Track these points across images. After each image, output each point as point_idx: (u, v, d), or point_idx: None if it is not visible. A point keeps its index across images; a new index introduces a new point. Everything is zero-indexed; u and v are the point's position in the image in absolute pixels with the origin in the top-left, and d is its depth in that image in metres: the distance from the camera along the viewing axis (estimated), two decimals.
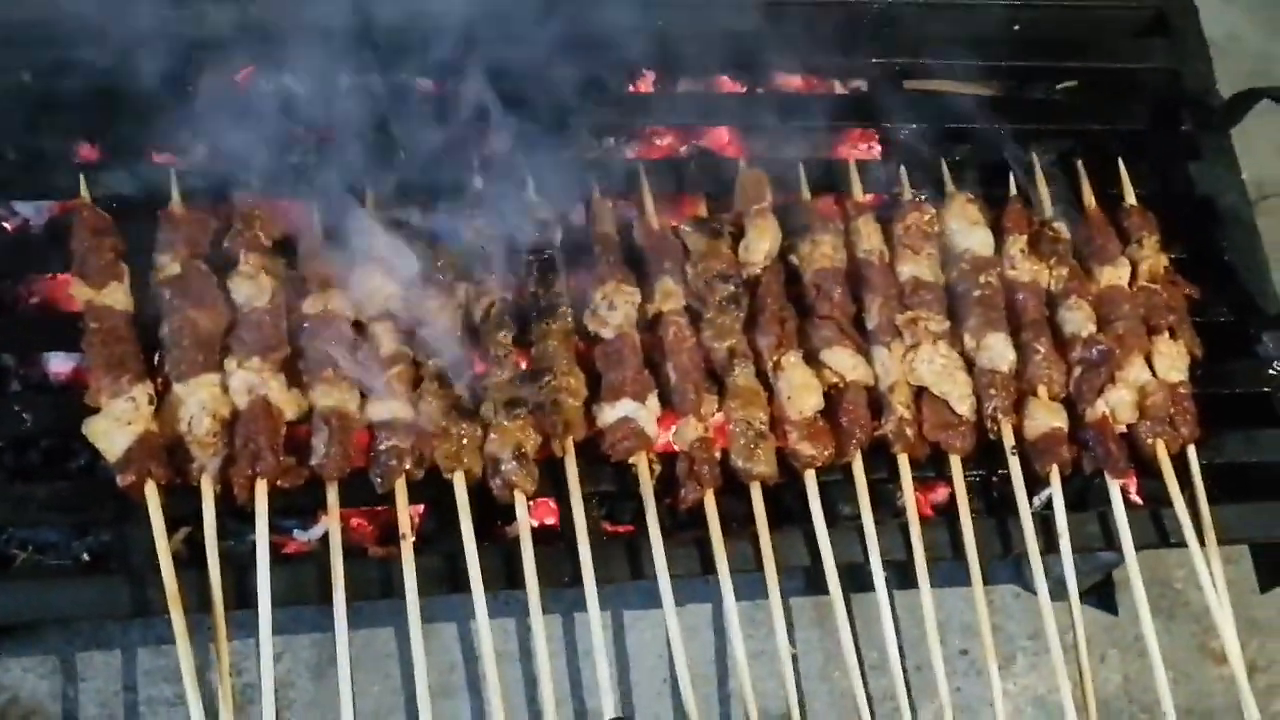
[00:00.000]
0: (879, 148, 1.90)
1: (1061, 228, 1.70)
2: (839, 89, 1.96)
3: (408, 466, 1.40)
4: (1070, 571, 1.50)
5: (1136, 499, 1.67)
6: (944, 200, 1.70)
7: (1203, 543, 1.53)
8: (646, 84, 1.90)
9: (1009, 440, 1.55)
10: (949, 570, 1.59)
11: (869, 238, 1.64)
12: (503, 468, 1.40)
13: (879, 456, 1.53)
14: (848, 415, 1.51)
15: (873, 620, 1.47)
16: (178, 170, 1.52)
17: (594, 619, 1.36)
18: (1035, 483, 1.55)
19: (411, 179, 1.57)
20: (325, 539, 1.42)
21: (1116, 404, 1.58)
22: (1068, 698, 1.45)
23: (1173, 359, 1.63)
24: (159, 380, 1.41)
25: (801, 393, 1.51)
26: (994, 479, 1.62)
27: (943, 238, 1.67)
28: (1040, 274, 1.66)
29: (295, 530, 1.60)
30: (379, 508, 1.51)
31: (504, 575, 1.41)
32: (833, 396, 1.53)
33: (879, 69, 1.89)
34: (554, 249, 1.55)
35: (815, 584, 1.66)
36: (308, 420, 1.42)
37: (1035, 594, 1.50)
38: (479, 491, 1.41)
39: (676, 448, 1.49)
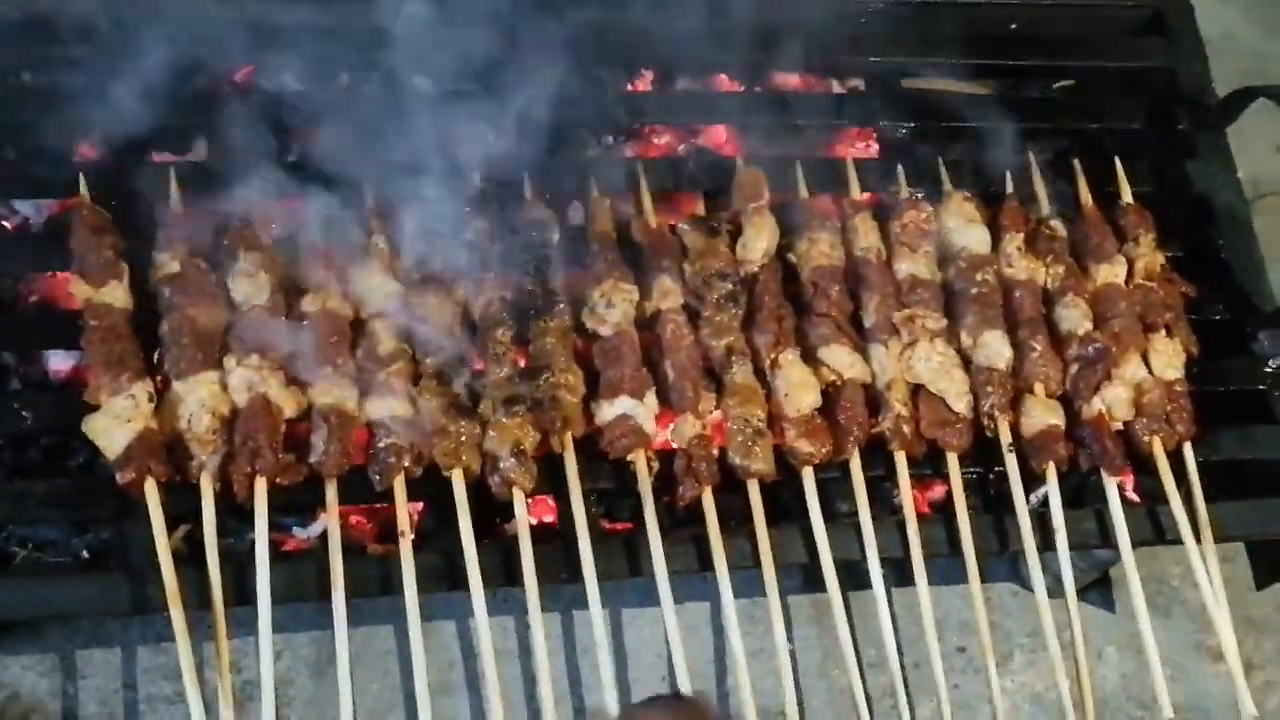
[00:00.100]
0: (876, 146, 1.91)
1: (1058, 226, 1.70)
2: (837, 88, 1.97)
3: (406, 464, 1.40)
4: (1067, 569, 1.50)
5: (1133, 496, 1.68)
6: (941, 198, 1.70)
7: (1199, 540, 1.54)
8: (644, 83, 1.90)
9: (1006, 438, 1.55)
10: (946, 568, 1.59)
11: (866, 236, 1.64)
12: (501, 465, 1.40)
13: (876, 454, 1.54)
14: (845, 413, 1.52)
15: (870, 617, 1.47)
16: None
17: (595, 615, 1.36)
18: (1032, 480, 1.56)
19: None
20: (324, 536, 1.42)
21: (1113, 401, 1.59)
22: (1065, 695, 1.45)
23: (1169, 357, 1.64)
24: (158, 378, 1.41)
25: (799, 390, 1.51)
26: (991, 476, 1.63)
27: (940, 236, 1.67)
28: (1037, 272, 1.66)
29: (294, 528, 1.61)
30: (378, 505, 1.51)
31: (503, 572, 1.41)
32: (830, 394, 1.54)
33: (877, 68, 1.89)
34: (552, 247, 1.55)
35: (813, 581, 1.66)
36: (307, 418, 1.42)
37: (1032, 591, 1.50)
38: (478, 489, 1.42)
39: (675, 445, 1.50)
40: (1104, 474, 1.56)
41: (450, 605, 1.71)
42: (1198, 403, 1.63)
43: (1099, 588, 1.93)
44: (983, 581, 1.50)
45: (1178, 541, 1.54)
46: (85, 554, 1.59)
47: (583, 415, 1.47)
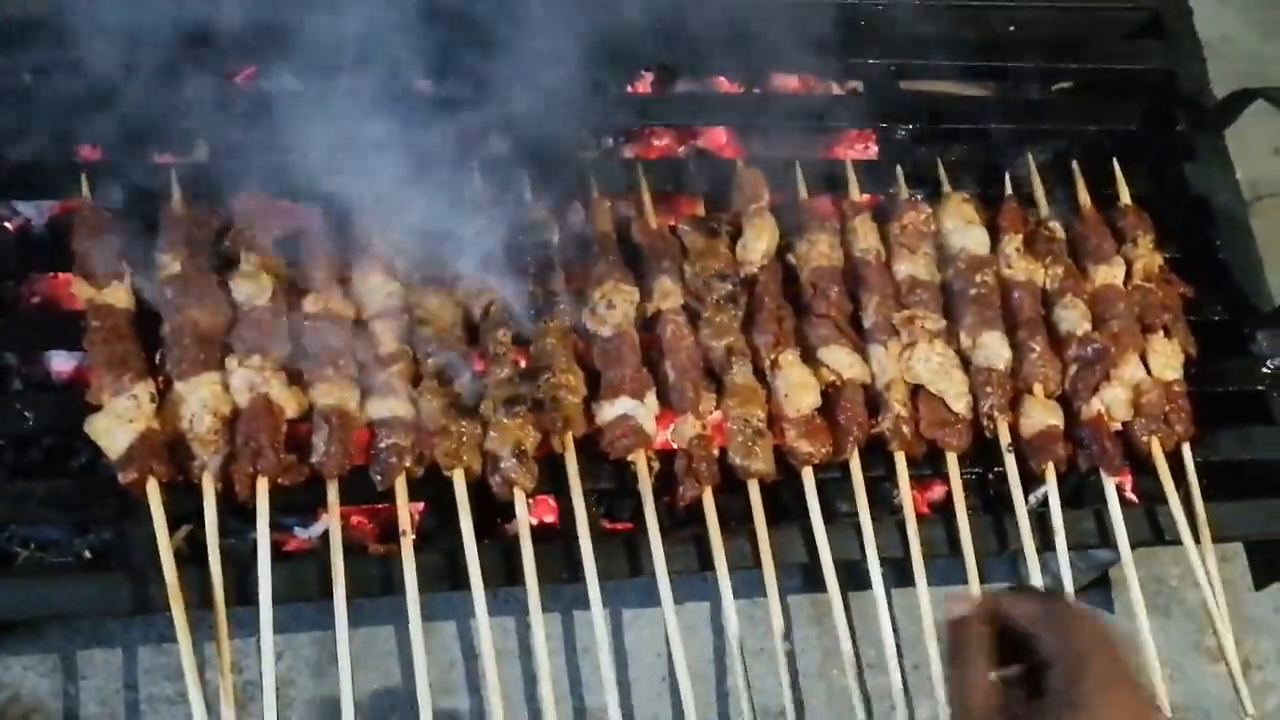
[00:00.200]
0: (875, 148, 1.91)
1: (1057, 227, 1.71)
2: (836, 89, 1.97)
3: (408, 464, 1.41)
4: (1066, 569, 1.51)
5: (1132, 496, 1.68)
6: (940, 200, 1.71)
7: (1198, 540, 1.54)
8: (644, 84, 1.91)
9: (1005, 438, 1.56)
10: (946, 569, 1.59)
11: (866, 237, 1.65)
12: (502, 465, 1.41)
13: (876, 454, 1.54)
14: (845, 413, 1.52)
15: (870, 618, 1.47)
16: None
17: (596, 615, 1.36)
18: (1031, 480, 1.56)
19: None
20: (326, 536, 1.43)
21: (1112, 402, 1.59)
22: None
23: (1167, 357, 1.64)
24: (160, 378, 1.41)
25: (799, 391, 1.51)
26: (990, 476, 1.63)
27: (939, 237, 1.68)
28: (1036, 273, 1.67)
29: (296, 528, 1.61)
30: (379, 505, 1.51)
31: (504, 572, 1.41)
32: (830, 394, 1.54)
33: (876, 69, 1.90)
34: (552, 248, 1.55)
35: (813, 581, 1.66)
36: (308, 418, 1.42)
37: None
38: (479, 489, 1.42)
39: (675, 445, 1.50)
40: (1103, 474, 1.56)
41: (450, 606, 1.71)
42: (1196, 403, 1.64)
43: (1098, 588, 1.93)
44: (982, 582, 1.50)
45: (1176, 542, 1.55)
46: (87, 554, 1.59)
47: (583, 415, 1.47)
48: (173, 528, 1.35)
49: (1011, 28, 1.98)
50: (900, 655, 1.47)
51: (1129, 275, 1.71)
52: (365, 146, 1.54)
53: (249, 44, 1.62)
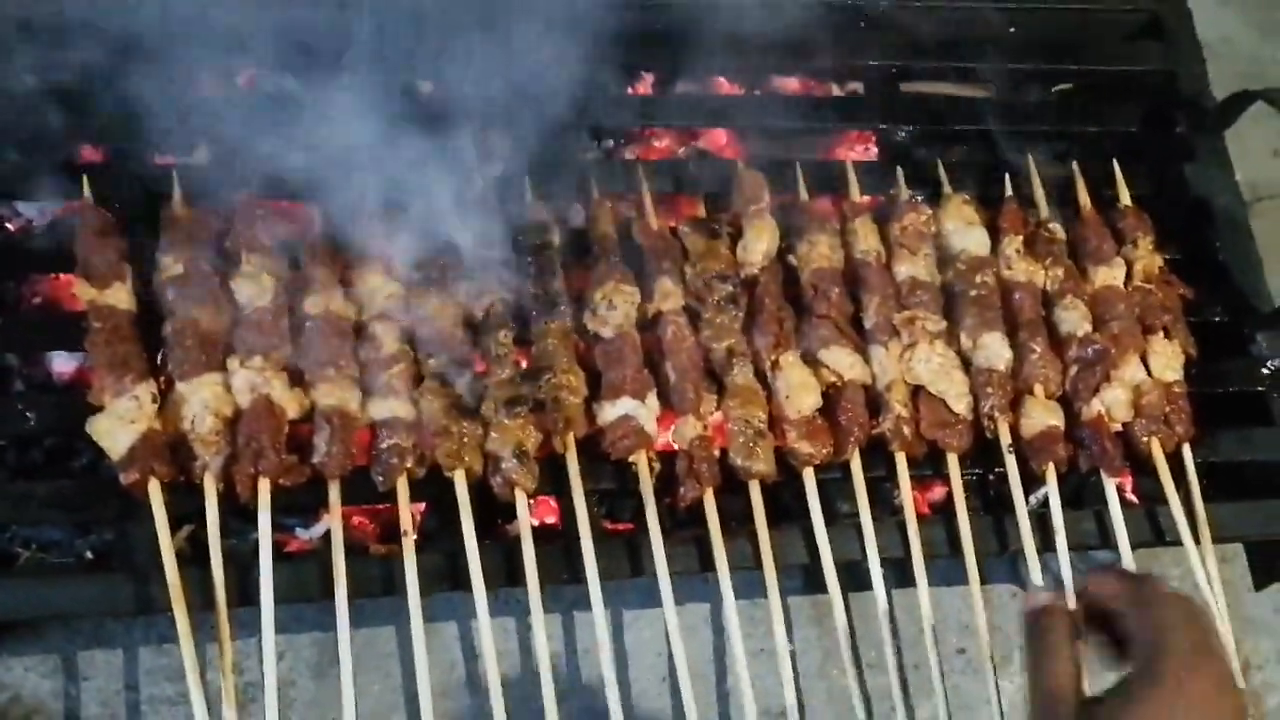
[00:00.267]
0: (875, 149, 1.92)
1: (1057, 228, 1.71)
2: (836, 91, 1.98)
3: (409, 465, 1.41)
4: (1067, 569, 1.51)
5: (1132, 497, 1.69)
6: (940, 201, 1.71)
7: (1198, 541, 1.55)
8: (645, 85, 1.91)
9: (1005, 439, 1.56)
10: (946, 570, 1.59)
11: (866, 238, 1.65)
12: (503, 466, 1.41)
13: (877, 455, 1.54)
14: (845, 414, 1.52)
15: (871, 619, 1.48)
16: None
17: (597, 616, 1.36)
18: (1031, 481, 1.56)
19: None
20: (327, 537, 1.43)
21: (1112, 403, 1.60)
22: None
23: (1168, 358, 1.65)
24: (162, 379, 1.41)
25: (799, 391, 1.52)
26: (991, 477, 1.64)
27: (939, 238, 1.68)
28: (1036, 274, 1.67)
29: (297, 528, 1.61)
30: (380, 506, 1.51)
31: (505, 573, 1.42)
32: (830, 395, 1.54)
33: (876, 71, 1.90)
34: (553, 249, 1.56)
35: (813, 582, 1.66)
36: (310, 419, 1.42)
37: None
38: (480, 489, 1.42)
39: (676, 446, 1.50)
40: (1103, 475, 1.57)
41: (451, 607, 1.71)
42: (1196, 404, 1.64)
43: None
44: (983, 583, 1.50)
45: (1177, 542, 1.55)
46: (89, 555, 1.59)
47: (584, 416, 1.47)
48: (174, 528, 1.35)
49: (1011, 29, 1.98)
50: (900, 655, 1.47)
51: (1129, 276, 1.71)
52: (365, 147, 1.55)
53: (249, 44, 1.62)
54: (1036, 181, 1.76)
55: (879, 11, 1.91)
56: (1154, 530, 1.60)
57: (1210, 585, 1.53)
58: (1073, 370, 1.61)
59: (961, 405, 1.56)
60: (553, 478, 1.45)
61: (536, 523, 1.54)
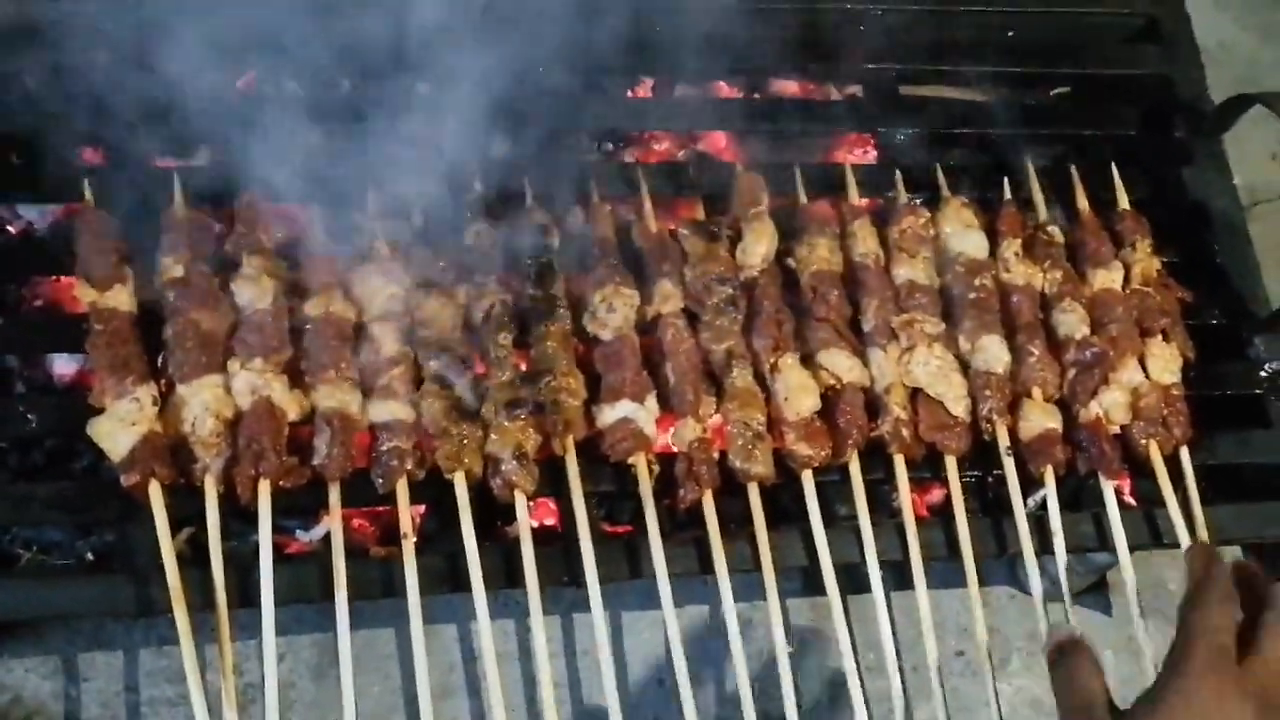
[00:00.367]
0: (874, 152, 1.92)
1: (1055, 231, 1.71)
2: (835, 94, 1.98)
3: (409, 467, 1.41)
4: (1064, 572, 1.51)
5: (1130, 500, 1.69)
6: (939, 204, 1.71)
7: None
8: (644, 88, 1.92)
9: (1004, 441, 1.56)
10: (945, 572, 1.60)
11: (865, 241, 1.65)
12: (503, 468, 1.41)
13: (875, 457, 1.54)
14: (844, 416, 1.53)
15: (870, 621, 1.48)
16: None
17: (596, 618, 1.37)
18: (1030, 483, 1.56)
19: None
20: (327, 539, 1.43)
21: (1110, 405, 1.60)
22: None
23: (1165, 361, 1.65)
24: (163, 381, 1.42)
25: (798, 394, 1.52)
26: (989, 480, 1.64)
27: (938, 241, 1.69)
28: (1034, 277, 1.67)
29: (297, 530, 1.61)
30: (380, 508, 1.52)
31: (504, 574, 1.42)
32: (829, 398, 1.55)
33: (875, 74, 1.91)
34: (553, 252, 1.56)
35: (812, 584, 1.67)
36: (310, 421, 1.43)
37: (1030, 595, 1.51)
38: (480, 491, 1.42)
39: (675, 448, 1.50)
40: (1101, 477, 1.57)
41: (450, 609, 1.72)
42: (1194, 407, 1.64)
43: (1096, 591, 1.94)
44: (981, 585, 1.50)
45: (1175, 545, 1.55)
46: (89, 556, 1.60)
47: (584, 418, 1.48)
48: (175, 530, 1.35)
49: (1010, 33, 1.98)
50: (899, 657, 1.47)
51: (1127, 279, 1.71)
52: (364, 148, 1.55)
53: (249, 47, 1.62)
54: (1035, 185, 1.76)
55: (878, 15, 1.92)
56: (1152, 533, 1.60)
57: None
58: (1071, 373, 1.61)
59: (960, 408, 1.56)
60: (552, 480, 1.45)
61: (536, 525, 1.55)
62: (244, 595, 1.35)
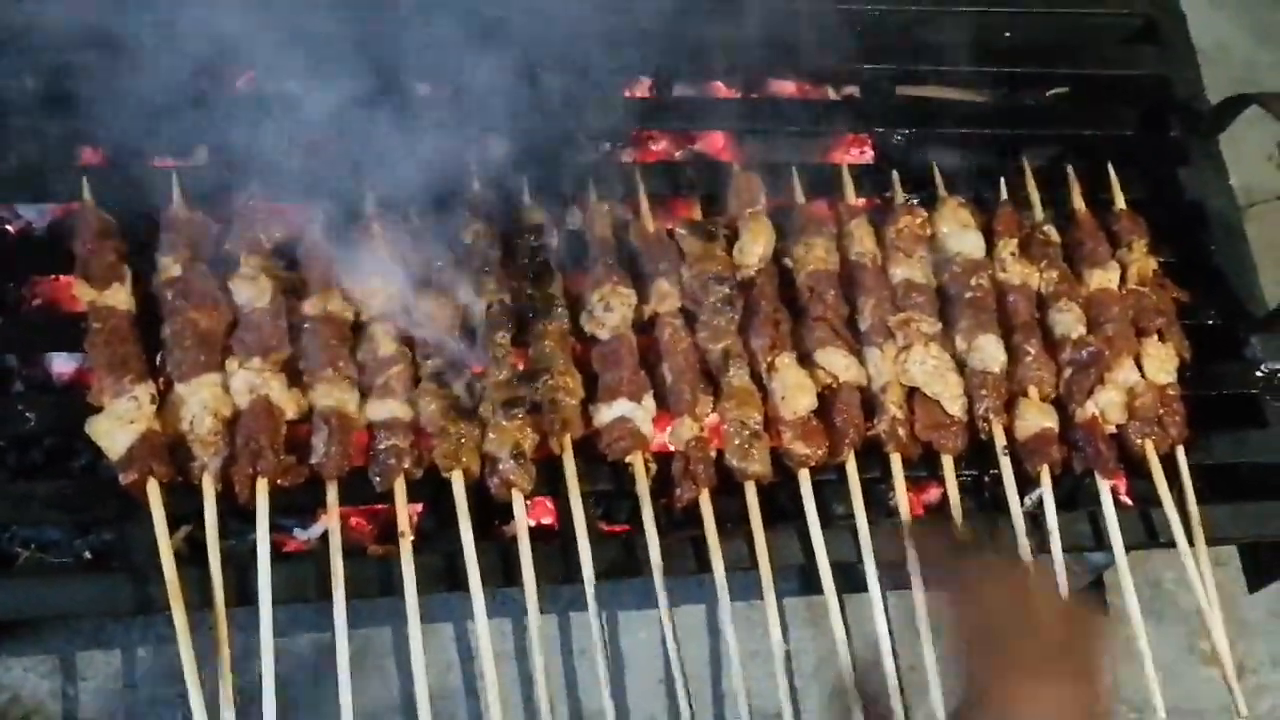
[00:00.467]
0: (871, 152, 1.92)
1: (1052, 231, 1.72)
2: (832, 94, 1.98)
3: (406, 465, 1.41)
4: (1061, 571, 1.52)
5: (1126, 499, 1.69)
6: (936, 204, 1.72)
7: (1192, 543, 1.55)
8: (642, 89, 1.92)
9: (1000, 440, 1.57)
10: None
11: (862, 241, 1.66)
12: (501, 466, 1.42)
13: (872, 456, 1.55)
14: (841, 415, 1.53)
15: (866, 620, 1.48)
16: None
17: (593, 616, 1.37)
18: (1026, 483, 1.57)
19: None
20: (325, 537, 1.43)
21: (1106, 405, 1.60)
22: None
23: (1161, 361, 1.65)
24: (161, 380, 1.42)
25: (795, 393, 1.52)
26: (985, 479, 1.64)
27: (934, 241, 1.69)
28: (1031, 277, 1.68)
29: (295, 529, 1.61)
30: (378, 506, 1.52)
31: (502, 573, 1.42)
32: (826, 397, 1.55)
33: (872, 74, 1.91)
34: (551, 251, 1.56)
35: (809, 583, 1.67)
36: (308, 420, 1.43)
37: None
38: (477, 490, 1.43)
39: (672, 447, 1.51)
40: (1097, 477, 1.57)
41: (448, 608, 1.72)
42: (1190, 407, 1.65)
43: (1092, 591, 1.94)
44: None
45: (1171, 544, 1.56)
46: (88, 555, 1.60)
47: (581, 417, 1.48)
48: (173, 529, 1.35)
49: (1007, 33, 1.99)
50: (896, 657, 1.48)
51: (1123, 279, 1.72)
52: (363, 148, 1.56)
53: (248, 46, 1.62)
54: (1032, 185, 1.77)
55: (876, 15, 1.92)
56: (1148, 532, 1.61)
57: (1204, 587, 1.53)
58: (1067, 372, 1.62)
59: (956, 407, 1.56)
60: (549, 478, 1.45)
61: (533, 523, 1.55)
62: (242, 594, 1.35)
